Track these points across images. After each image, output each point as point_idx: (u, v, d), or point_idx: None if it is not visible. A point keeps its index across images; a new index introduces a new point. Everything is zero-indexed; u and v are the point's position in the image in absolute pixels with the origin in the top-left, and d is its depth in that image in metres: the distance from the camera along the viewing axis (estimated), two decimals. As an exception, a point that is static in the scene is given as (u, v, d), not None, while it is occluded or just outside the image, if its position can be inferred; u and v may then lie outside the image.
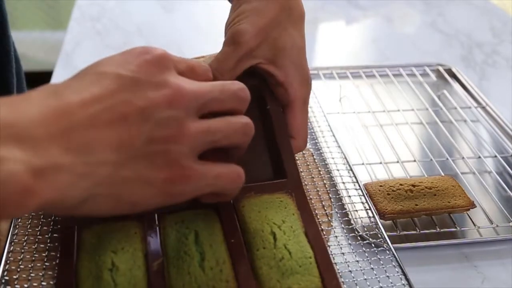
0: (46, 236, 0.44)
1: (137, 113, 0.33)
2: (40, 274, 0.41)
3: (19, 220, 0.45)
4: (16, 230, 0.44)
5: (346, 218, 0.51)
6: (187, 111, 0.34)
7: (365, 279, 0.44)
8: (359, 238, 0.49)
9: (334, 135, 0.61)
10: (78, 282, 0.39)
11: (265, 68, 0.46)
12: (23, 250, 0.43)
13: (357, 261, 0.46)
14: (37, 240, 0.44)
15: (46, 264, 0.42)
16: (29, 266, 0.41)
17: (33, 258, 0.42)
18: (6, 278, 0.41)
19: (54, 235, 0.44)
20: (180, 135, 0.34)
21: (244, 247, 0.41)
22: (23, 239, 0.44)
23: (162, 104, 0.33)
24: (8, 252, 0.42)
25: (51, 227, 0.45)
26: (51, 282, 0.40)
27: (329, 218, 0.49)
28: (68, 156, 0.30)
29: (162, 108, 0.33)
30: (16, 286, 0.40)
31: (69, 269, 0.39)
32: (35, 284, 0.40)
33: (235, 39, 0.44)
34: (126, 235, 0.41)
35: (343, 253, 0.46)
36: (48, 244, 0.43)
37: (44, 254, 0.42)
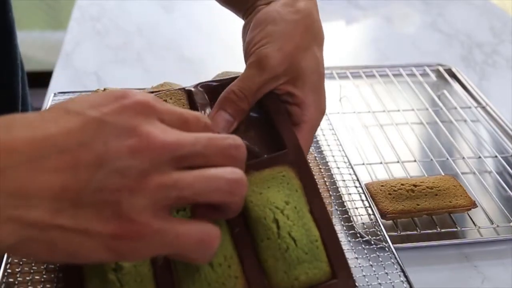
0: None
1: (92, 159, 0.29)
2: (39, 287, 0.41)
3: None
4: None
5: (346, 216, 0.52)
6: (154, 163, 0.30)
7: (364, 275, 0.44)
8: (358, 236, 0.49)
9: (335, 134, 0.61)
10: (83, 283, 0.38)
11: (285, 88, 0.45)
12: (21, 262, 0.42)
13: (356, 258, 0.46)
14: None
15: (45, 276, 0.42)
16: (27, 278, 0.41)
17: (32, 271, 0.42)
18: None
19: None
20: (137, 187, 0.30)
21: (248, 236, 0.40)
22: None
23: (124, 153, 0.30)
24: (6, 264, 0.42)
25: None
26: None
27: (330, 215, 0.49)
28: (1, 198, 0.28)
29: (123, 158, 0.30)
30: None
31: (73, 271, 0.39)
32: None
33: (262, 63, 0.44)
34: None
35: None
36: None
37: (42, 267, 0.42)
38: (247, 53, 0.46)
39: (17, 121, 0.30)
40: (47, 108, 0.32)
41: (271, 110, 0.46)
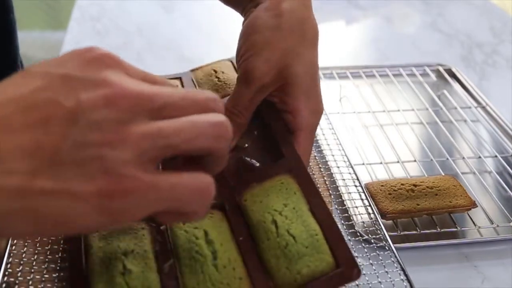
0: (46, 247, 0.44)
1: (63, 114, 0.27)
2: (40, 287, 0.41)
3: None
4: (15, 241, 0.44)
5: (346, 215, 0.52)
6: (132, 113, 0.28)
7: (364, 274, 0.44)
8: (358, 235, 0.50)
9: (335, 134, 0.61)
10: (90, 286, 0.38)
11: (277, 96, 0.46)
12: (21, 262, 0.42)
13: (356, 256, 0.46)
14: (36, 251, 0.43)
15: (45, 276, 0.42)
16: (28, 278, 0.41)
17: (32, 270, 0.42)
18: None
19: (54, 246, 0.44)
20: (119, 139, 0.27)
21: (252, 243, 0.41)
22: (22, 251, 0.43)
23: (98, 105, 0.28)
24: (6, 264, 0.42)
25: (51, 238, 0.45)
26: None
27: None
28: None
29: (97, 109, 0.27)
30: None
31: (79, 274, 0.39)
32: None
33: (248, 77, 0.44)
34: (135, 237, 0.41)
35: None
36: (48, 256, 0.43)
37: (43, 267, 0.42)
38: (237, 65, 0.46)
39: None
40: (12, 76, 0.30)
41: (266, 118, 0.47)
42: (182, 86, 0.60)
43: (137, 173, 0.28)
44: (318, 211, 0.41)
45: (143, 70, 0.32)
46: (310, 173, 0.54)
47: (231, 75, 0.58)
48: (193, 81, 0.60)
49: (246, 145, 0.48)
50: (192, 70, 0.63)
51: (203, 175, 0.30)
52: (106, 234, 0.42)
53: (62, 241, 0.44)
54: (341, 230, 0.49)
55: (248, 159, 0.47)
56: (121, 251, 0.40)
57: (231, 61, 0.62)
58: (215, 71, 0.60)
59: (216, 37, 0.91)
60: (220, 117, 0.31)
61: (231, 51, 0.88)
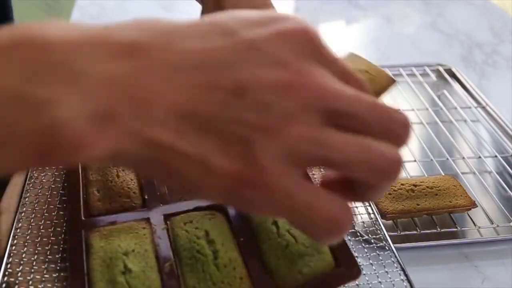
0: (46, 247, 0.44)
1: (231, 84, 0.25)
2: (40, 287, 0.41)
3: (18, 230, 0.45)
4: (15, 241, 0.44)
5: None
6: (303, 108, 0.25)
7: (364, 274, 0.44)
8: (358, 235, 0.49)
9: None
10: (91, 286, 0.39)
11: None
12: (22, 262, 0.42)
13: (356, 257, 0.46)
14: (36, 251, 0.43)
15: (46, 276, 0.41)
16: (28, 278, 0.41)
17: (32, 270, 0.42)
18: None
19: (54, 246, 0.44)
20: (277, 130, 0.25)
21: (253, 244, 0.42)
22: (22, 251, 0.43)
23: (271, 86, 0.25)
24: (6, 264, 0.42)
25: (51, 238, 0.45)
26: None
27: None
28: (125, 107, 0.24)
29: (268, 91, 0.25)
30: None
31: (80, 274, 0.39)
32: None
33: None
34: (135, 236, 0.41)
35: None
36: (48, 256, 0.43)
37: (43, 266, 0.42)
38: None
39: (165, 26, 0.26)
40: (201, 19, 0.27)
41: None
42: None
43: (278, 172, 0.25)
44: None
45: (346, 64, 0.28)
46: (310, 174, 0.55)
47: None
48: None
49: None
50: None
51: (347, 209, 0.27)
52: (107, 234, 0.42)
53: (62, 241, 0.44)
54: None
55: None
56: (122, 250, 0.40)
57: None
58: None
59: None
60: (396, 154, 0.26)
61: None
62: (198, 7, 0.99)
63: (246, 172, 0.25)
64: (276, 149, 0.25)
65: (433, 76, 0.81)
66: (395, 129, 0.27)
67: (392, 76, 0.51)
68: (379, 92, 0.47)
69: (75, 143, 0.23)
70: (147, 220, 0.44)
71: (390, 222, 0.53)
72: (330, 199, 0.26)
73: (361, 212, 0.52)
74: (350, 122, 0.26)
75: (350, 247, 0.47)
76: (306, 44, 0.27)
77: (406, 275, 0.44)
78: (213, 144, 0.25)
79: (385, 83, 0.49)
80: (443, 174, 0.59)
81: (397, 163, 0.26)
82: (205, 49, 0.25)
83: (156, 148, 0.25)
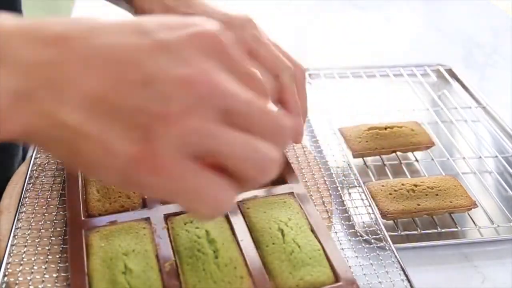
0: (46, 247, 0.44)
1: (139, 77, 0.28)
2: (40, 287, 0.41)
3: (18, 230, 0.45)
4: (15, 241, 0.44)
5: (346, 215, 0.52)
6: (201, 103, 0.28)
7: (364, 274, 0.44)
8: (358, 235, 0.50)
9: (335, 133, 0.61)
10: (91, 286, 0.39)
11: None
12: (22, 262, 0.43)
13: (356, 257, 0.46)
14: (36, 251, 0.43)
15: (46, 276, 0.42)
16: (28, 278, 0.41)
17: (32, 271, 0.42)
18: None
19: (54, 246, 0.44)
20: (174, 120, 0.28)
21: (254, 244, 0.42)
22: (22, 251, 0.43)
23: (174, 80, 0.28)
24: (6, 264, 0.42)
25: (51, 238, 0.45)
26: None
27: (329, 215, 0.50)
28: (43, 89, 0.27)
29: (171, 84, 0.28)
30: None
31: (81, 274, 0.39)
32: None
33: None
34: (136, 236, 0.41)
35: (342, 249, 0.47)
36: (48, 256, 0.43)
37: (43, 266, 0.42)
38: None
39: (92, 22, 0.29)
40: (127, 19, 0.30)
41: None
42: None
43: (170, 159, 0.28)
44: (319, 231, 0.44)
45: (251, 69, 0.31)
46: (310, 173, 0.55)
47: None
48: None
49: None
50: None
51: (230, 191, 0.30)
52: (107, 234, 0.42)
53: (62, 241, 0.44)
54: (342, 230, 0.50)
55: None
56: (122, 250, 0.40)
57: None
58: None
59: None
60: (275, 155, 0.30)
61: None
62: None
63: (142, 155, 0.28)
64: (172, 138, 0.28)
65: (433, 76, 0.81)
66: (281, 133, 0.31)
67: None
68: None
69: None
70: (147, 220, 0.44)
71: (390, 222, 0.53)
72: (215, 183, 0.29)
73: (362, 212, 0.52)
74: (241, 121, 0.29)
75: (351, 246, 0.47)
76: (213, 47, 0.30)
77: (406, 275, 0.44)
78: (117, 128, 0.28)
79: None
80: (444, 174, 0.59)
81: (275, 164, 0.30)
82: (121, 44, 0.28)
83: (65, 129, 0.28)
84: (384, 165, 0.61)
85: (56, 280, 0.41)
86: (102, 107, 0.28)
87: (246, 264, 0.40)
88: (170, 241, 0.42)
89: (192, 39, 0.29)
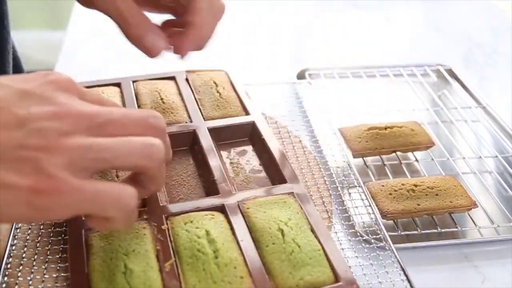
0: (46, 248, 0.44)
1: (13, 120, 0.32)
2: (40, 287, 0.41)
3: (18, 230, 0.45)
4: (15, 241, 0.44)
5: (346, 215, 0.52)
6: (73, 128, 0.33)
7: (364, 274, 0.44)
8: (358, 235, 0.50)
9: (335, 133, 0.61)
10: (91, 286, 0.39)
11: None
12: (22, 262, 0.43)
13: (356, 257, 0.46)
14: (36, 251, 0.43)
15: (46, 276, 0.42)
16: (28, 278, 0.41)
17: (32, 271, 0.42)
18: None
19: (54, 247, 0.44)
20: (55, 146, 0.32)
21: (253, 245, 0.42)
22: (22, 251, 0.43)
23: (44, 117, 0.33)
24: (6, 264, 0.42)
25: (51, 238, 0.45)
26: None
27: (329, 215, 0.50)
28: None
29: (43, 120, 0.33)
30: None
31: (81, 274, 0.39)
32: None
33: None
34: (136, 236, 0.41)
35: (342, 249, 0.47)
36: (48, 256, 0.43)
37: (43, 267, 0.42)
38: None
39: None
40: None
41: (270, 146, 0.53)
42: (177, 86, 0.61)
43: (65, 177, 0.32)
44: (319, 231, 0.44)
45: (97, 93, 0.38)
46: (310, 173, 0.55)
47: (232, 94, 0.60)
48: (189, 86, 0.61)
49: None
50: (188, 71, 0.64)
51: (128, 187, 0.35)
52: (107, 234, 0.42)
53: (62, 241, 0.44)
54: (342, 230, 0.50)
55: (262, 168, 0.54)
56: (122, 250, 0.40)
57: (226, 73, 0.65)
58: (216, 84, 0.61)
59: (215, 37, 0.90)
60: (153, 140, 0.35)
61: (230, 51, 0.88)
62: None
63: (39, 183, 0.31)
64: (59, 160, 0.32)
65: (433, 76, 0.81)
66: (148, 121, 0.36)
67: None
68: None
69: None
70: (147, 220, 0.44)
71: (390, 222, 0.53)
72: (113, 184, 0.34)
73: (362, 212, 0.52)
74: (113, 129, 0.35)
75: (351, 247, 0.47)
76: (66, 86, 0.35)
77: (406, 275, 0.44)
78: (9, 168, 0.31)
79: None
80: (444, 174, 0.59)
81: (154, 146, 0.35)
82: None
83: None
84: (384, 165, 0.61)
85: (56, 280, 0.41)
86: None
87: (246, 264, 0.40)
88: (170, 241, 0.42)
89: (49, 83, 0.35)
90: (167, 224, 0.43)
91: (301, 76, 0.78)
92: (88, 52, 0.85)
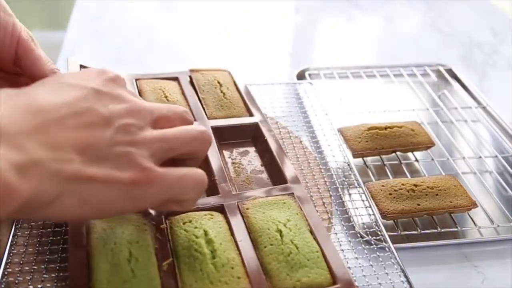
0: (46, 247, 0.44)
1: (101, 119, 0.34)
2: (40, 286, 0.41)
3: (18, 230, 0.45)
4: (15, 241, 0.44)
5: (346, 216, 0.52)
6: (144, 122, 0.37)
7: (364, 275, 0.44)
8: (358, 236, 0.50)
9: (336, 134, 0.61)
10: (92, 263, 0.39)
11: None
12: (21, 262, 0.43)
13: (356, 258, 0.46)
14: (36, 251, 0.43)
15: (45, 276, 0.42)
16: (27, 278, 0.41)
17: (32, 270, 0.42)
18: None
19: (54, 246, 0.44)
20: (139, 140, 0.36)
21: (252, 245, 0.42)
22: (22, 250, 0.43)
23: (123, 114, 0.36)
24: (6, 264, 0.42)
25: (51, 238, 0.45)
26: None
27: (329, 215, 0.50)
28: (42, 152, 0.31)
29: (123, 117, 0.36)
30: None
31: (81, 274, 0.39)
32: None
33: None
34: (138, 229, 0.42)
35: (342, 250, 0.47)
36: (48, 256, 0.43)
37: (43, 266, 0.42)
38: None
39: (23, 91, 0.33)
40: (36, 82, 0.36)
41: (272, 147, 0.54)
42: (180, 86, 0.61)
43: (153, 167, 0.35)
44: (318, 233, 0.44)
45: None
46: (310, 173, 0.55)
47: (236, 95, 0.60)
48: (193, 85, 0.62)
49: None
50: (192, 70, 0.64)
51: (199, 170, 0.39)
52: (109, 221, 0.42)
53: (62, 241, 0.44)
54: (341, 231, 0.50)
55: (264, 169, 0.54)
56: (126, 238, 0.40)
57: (230, 73, 0.65)
58: (220, 84, 0.62)
59: (216, 37, 0.91)
60: (201, 127, 0.41)
61: (230, 51, 0.88)
62: (198, 7, 0.98)
63: (136, 175, 0.34)
64: (145, 152, 0.35)
65: (433, 76, 0.81)
66: (185, 116, 0.41)
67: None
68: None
69: (8, 192, 0.29)
70: (146, 218, 0.44)
71: (390, 222, 0.53)
72: (188, 169, 0.38)
73: (362, 213, 0.52)
74: (163, 122, 0.39)
75: (351, 248, 0.47)
76: (121, 83, 0.39)
77: (406, 276, 0.44)
78: (110, 164, 0.34)
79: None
80: (444, 174, 0.59)
81: (206, 132, 0.40)
82: (72, 101, 0.34)
83: (70, 179, 0.32)
84: (384, 165, 0.61)
85: (56, 280, 0.41)
86: (91, 152, 0.33)
87: (243, 265, 0.40)
88: (168, 240, 0.42)
89: (111, 80, 0.38)
90: (166, 223, 0.43)
91: (301, 76, 0.78)
92: (88, 52, 0.85)
